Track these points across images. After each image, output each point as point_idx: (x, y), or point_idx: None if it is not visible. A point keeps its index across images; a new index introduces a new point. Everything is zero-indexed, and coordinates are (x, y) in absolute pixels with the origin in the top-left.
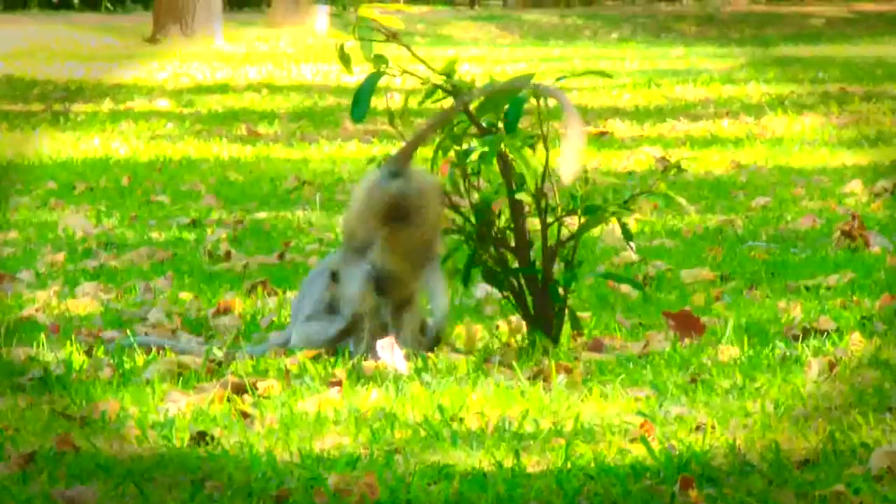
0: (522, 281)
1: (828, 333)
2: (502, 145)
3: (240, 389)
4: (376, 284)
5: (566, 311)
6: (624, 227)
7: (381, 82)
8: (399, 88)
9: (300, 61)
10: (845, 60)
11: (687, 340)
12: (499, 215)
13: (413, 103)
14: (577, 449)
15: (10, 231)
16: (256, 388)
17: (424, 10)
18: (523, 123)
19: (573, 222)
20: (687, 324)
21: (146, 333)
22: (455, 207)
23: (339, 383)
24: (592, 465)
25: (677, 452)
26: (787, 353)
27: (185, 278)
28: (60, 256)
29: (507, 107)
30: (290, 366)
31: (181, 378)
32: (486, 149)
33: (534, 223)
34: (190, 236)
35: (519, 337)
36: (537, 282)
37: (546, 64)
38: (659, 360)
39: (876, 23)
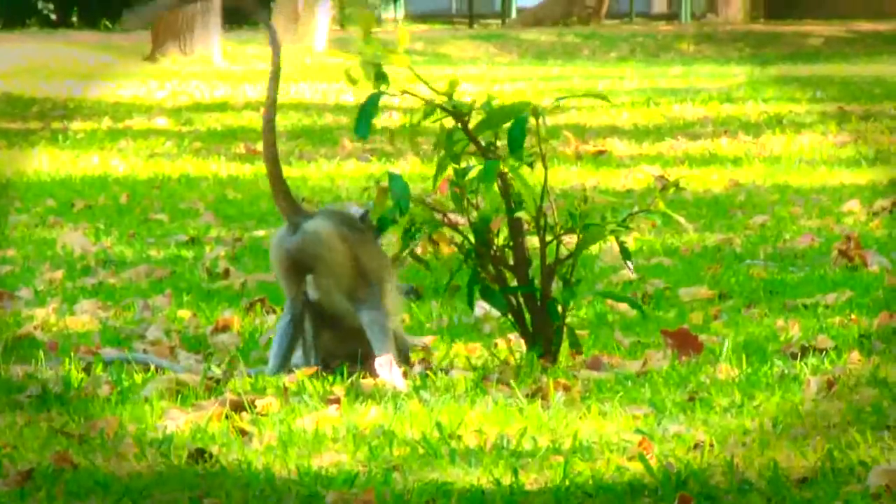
0: (521, 299)
1: (826, 352)
2: (501, 165)
3: (238, 407)
4: (317, 322)
5: (565, 329)
6: (622, 245)
7: (382, 101)
8: (398, 107)
9: (299, 80)
10: (843, 79)
11: (685, 358)
12: (497, 233)
13: (414, 122)
14: (575, 467)
15: (9, 249)
16: (255, 406)
17: (423, 29)
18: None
19: (571, 241)
20: (685, 342)
21: (144, 351)
22: (454, 226)
23: (338, 401)
24: (591, 482)
25: (675, 470)
26: (786, 372)
27: (184, 296)
28: (59, 274)
29: (506, 126)
30: (289, 383)
31: (180, 395)
32: (486, 171)
33: (532, 241)
34: (188, 254)
35: (517, 355)
36: (536, 300)
37: (545, 83)
38: (657, 378)
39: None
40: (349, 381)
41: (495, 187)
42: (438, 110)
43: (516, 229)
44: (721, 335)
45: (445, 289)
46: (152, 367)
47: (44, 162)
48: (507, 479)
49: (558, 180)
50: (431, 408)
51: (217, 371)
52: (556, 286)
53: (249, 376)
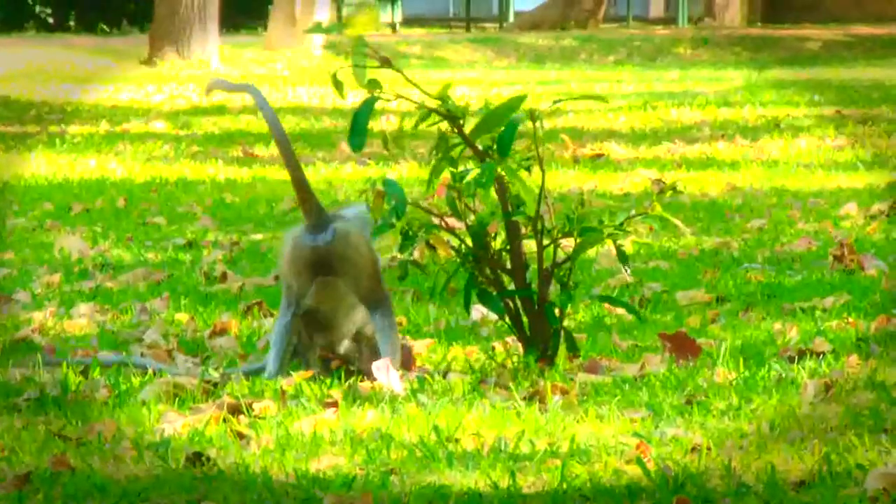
0: (518, 302)
1: (823, 355)
2: (499, 168)
3: (236, 410)
4: (309, 328)
5: (562, 332)
6: (619, 249)
7: (377, 105)
8: (395, 111)
9: (296, 84)
10: (841, 83)
11: (682, 362)
12: (494, 237)
13: (408, 125)
14: (572, 470)
15: (7, 252)
16: (252, 409)
17: (420, 33)
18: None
19: (569, 244)
20: (683, 345)
21: (142, 354)
22: (451, 230)
23: (335, 404)
24: (588, 486)
25: (673, 474)
26: (783, 375)
27: (182, 299)
28: (56, 277)
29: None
30: (286, 386)
31: (177, 399)
32: (483, 174)
33: (529, 245)
34: (186, 257)
35: (515, 358)
36: (533, 303)
37: (542, 86)
38: (655, 382)
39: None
40: (346, 384)
41: (492, 191)
42: (434, 114)
43: (513, 232)
44: (718, 339)
45: (442, 292)
46: (150, 371)
47: (41, 166)
48: (504, 483)
49: (556, 184)
50: (429, 411)
51: (214, 374)
52: (553, 290)
53: (244, 375)
